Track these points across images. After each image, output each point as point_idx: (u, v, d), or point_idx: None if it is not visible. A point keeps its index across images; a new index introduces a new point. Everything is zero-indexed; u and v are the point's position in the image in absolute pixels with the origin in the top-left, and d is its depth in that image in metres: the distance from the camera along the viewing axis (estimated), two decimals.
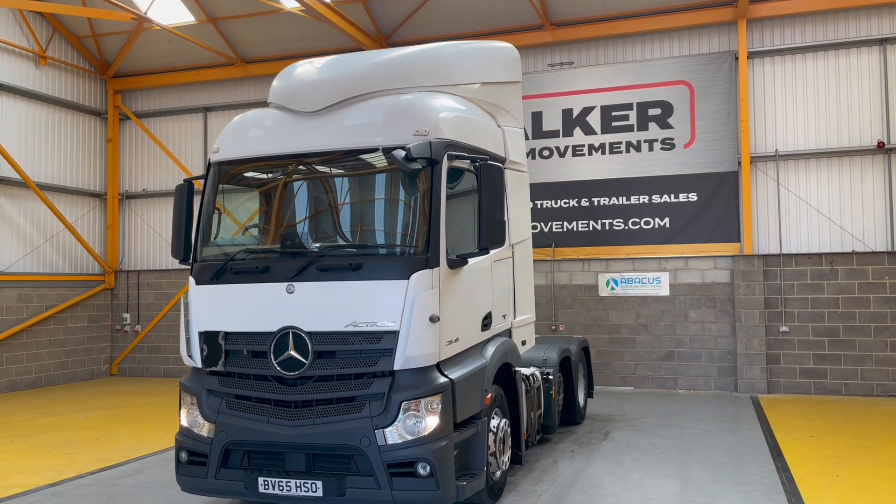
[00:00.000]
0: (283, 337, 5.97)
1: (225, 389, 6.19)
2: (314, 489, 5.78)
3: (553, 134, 14.69)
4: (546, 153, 14.72)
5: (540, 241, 14.55)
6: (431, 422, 5.76)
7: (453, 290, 6.17)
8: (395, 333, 5.77)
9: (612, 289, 14.23)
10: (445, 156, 6.10)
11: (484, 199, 6.06)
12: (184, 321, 6.45)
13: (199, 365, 6.31)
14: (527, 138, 14.69)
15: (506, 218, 7.41)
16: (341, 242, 6.27)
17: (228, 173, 6.64)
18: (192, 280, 6.45)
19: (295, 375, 5.90)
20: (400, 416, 5.74)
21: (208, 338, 6.26)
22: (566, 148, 14.60)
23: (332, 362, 5.88)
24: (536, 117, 14.76)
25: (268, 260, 6.27)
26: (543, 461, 8.37)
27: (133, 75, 17.81)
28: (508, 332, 7.61)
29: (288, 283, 6.00)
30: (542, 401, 8.61)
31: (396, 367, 5.77)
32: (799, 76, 13.55)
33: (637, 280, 14.10)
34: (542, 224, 14.64)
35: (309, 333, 5.90)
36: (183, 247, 6.63)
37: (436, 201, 5.98)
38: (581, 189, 14.44)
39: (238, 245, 6.53)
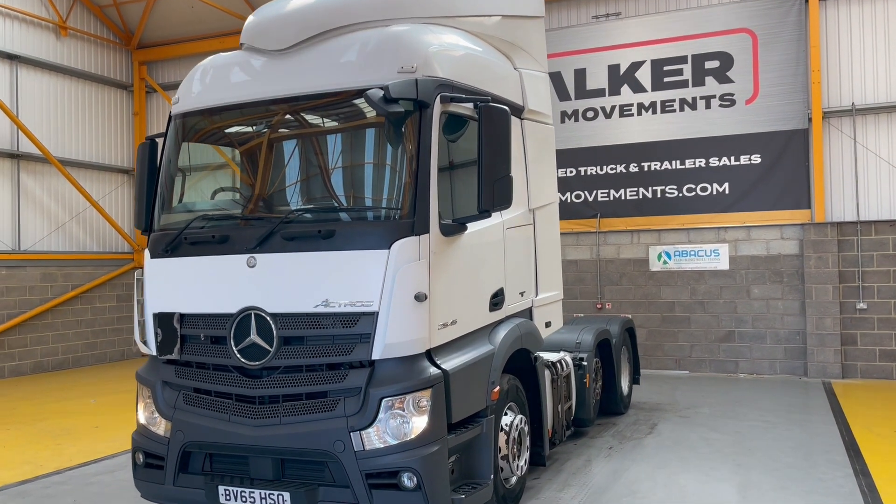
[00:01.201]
0: (244, 320, 4.98)
1: (182, 381, 5.26)
2: (281, 501, 4.81)
3: (598, 93, 13.33)
4: (590, 114, 13.39)
5: (584, 211, 13.29)
6: (419, 422, 4.71)
7: (449, 262, 5.08)
8: (373, 315, 4.72)
9: (665, 263, 12.88)
10: (438, 98, 4.99)
11: (484, 149, 4.92)
12: (136, 301, 5.53)
13: (154, 352, 5.39)
14: (568, 98, 13.44)
15: (523, 175, 6.32)
16: (311, 205, 5.22)
17: (189, 127, 5.66)
18: (146, 253, 5.51)
19: (258, 365, 4.92)
20: (381, 415, 4.70)
21: (162, 320, 5.33)
22: (613, 108, 13.24)
23: (300, 350, 4.87)
24: (579, 75, 13.43)
25: (227, 228, 5.27)
26: (575, 460, 7.25)
27: (158, 45, 17.10)
28: (529, 313, 6.48)
29: (249, 256, 5.00)
30: (574, 391, 7.46)
31: (375, 356, 4.72)
32: (879, 18, 11.86)
33: (692, 253, 12.72)
34: (586, 193, 13.35)
35: (273, 315, 4.90)
36: (145, 215, 5.70)
37: (424, 153, 4.88)
38: (630, 153, 13.08)
39: (202, 212, 5.53)
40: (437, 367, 4.87)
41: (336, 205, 5.17)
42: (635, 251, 13.10)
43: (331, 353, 4.80)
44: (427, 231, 4.84)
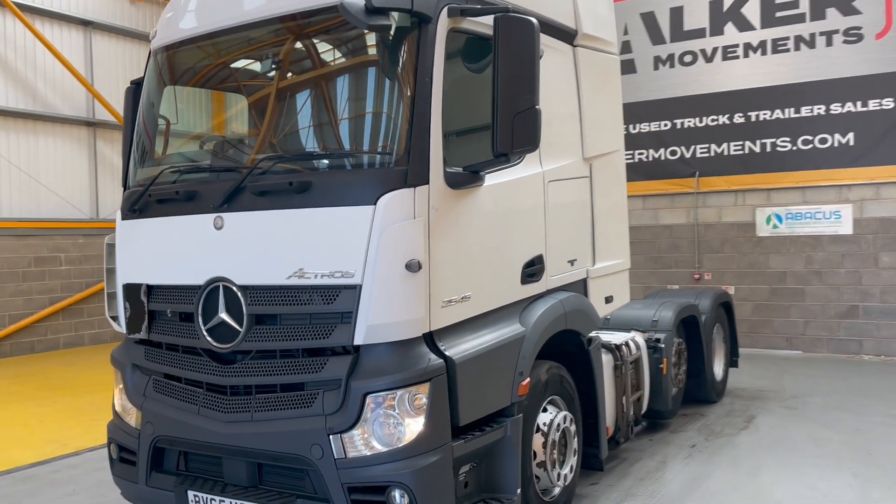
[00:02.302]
0: (212, 293, 4.09)
1: (151, 365, 4.46)
2: None
3: (697, 34, 11.69)
4: (688, 59, 11.77)
5: (681, 169, 11.76)
6: (413, 425, 3.70)
7: (459, 221, 4.00)
8: (355, 289, 3.72)
9: (775, 227, 11.22)
10: (445, 9, 3.88)
11: (501, 73, 3.79)
12: (106, 269, 4.76)
13: (124, 330, 4.61)
14: (662, 41, 11.89)
15: (576, 116, 5.17)
16: (286, 152, 4.23)
17: (165, 64, 4.78)
18: (118, 213, 4.72)
19: (228, 348, 4.02)
20: (365, 415, 3.72)
21: (130, 293, 4.53)
22: (714, 50, 11.57)
23: (273, 331, 3.94)
24: (675, 14, 11.82)
25: (195, 182, 4.37)
26: (647, 461, 6.05)
27: None
28: (582, 286, 5.32)
29: (216, 216, 4.10)
30: (647, 378, 6.23)
31: (358, 340, 3.72)
32: None
33: (808, 215, 11.00)
34: (683, 149, 11.80)
35: (242, 288, 3.99)
36: (124, 170, 4.91)
37: (423, 81, 3.79)
38: (734, 101, 11.41)
39: (176, 165, 4.65)
40: (440, 354, 3.83)
41: (315, 150, 4.16)
42: (740, 214, 11.47)
43: (307, 336, 3.84)
44: (425, 181, 3.77)
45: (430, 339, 3.86)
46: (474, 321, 4.14)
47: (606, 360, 5.52)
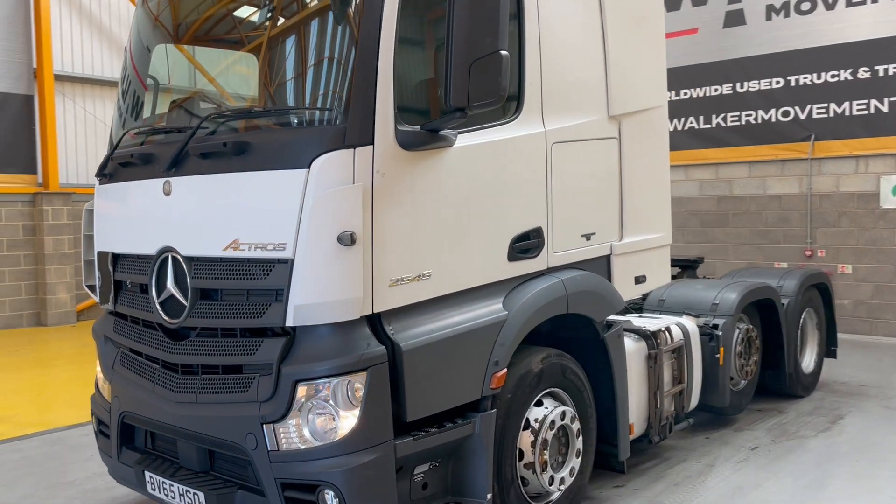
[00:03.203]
0: (162, 264, 3.83)
1: (118, 338, 4.27)
2: (197, 502, 3.67)
3: None
4: (805, 7, 10.38)
5: (794, 132, 10.47)
6: (349, 419, 3.28)
7: (416, 187, 3.49)
8: (287, 264, 3.32)
9: None
10: None
11: (455, 13, 3.22)
12: (84, 236, 4.61)
13: (98, 299, 4.46)
14: None
15: (600, 63, 4.50)
16: (228, 111, 3.84)
17: (142, 19, 4.51)
18: (97, 179, 4.54)
19: (176, 324, 3.75)
20: (298, 404, 3.33)
21: (101, 261, 4.36)
22: None
23: (215, 307, 3.62)
24: None
25: (153, 145, 4.09)
26: (692, 464, 5.31)
27: None
28: (605, 263, 4.66)
29: (164, 180, 3.80)
30: (696, 368, 5.44)
31: (289, 321, 3.33)
32: None
33: None
34: (796, 109, 10.48)
35: (188, 259, 3.69)
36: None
37: (368, 25, 3.30)
38: (857, 54, 9.96)
39: (144, 125, 4.39)
40: (386, 339, 3.36)
41: (255, 108, 3.76)
42: (861, 183, 10.08)
43: (244, 314, 3.49)
44: (369, 142, 3.29)
45: (378, 322, 3.40)
46: (441, 302, 3.64)
47: (637, 348, 4.85)
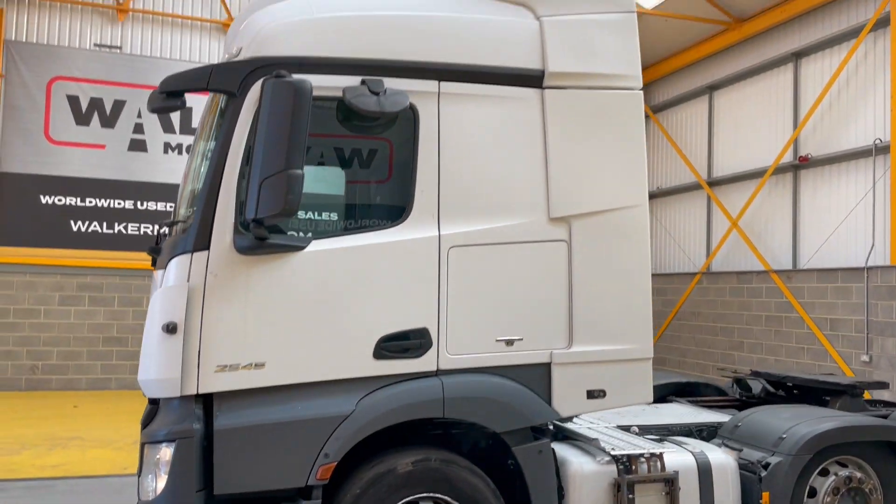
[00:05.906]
0: None
1: None
2: None
3: None
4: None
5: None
6: (158, 484, 3.87)
7: (252, 286, 3.94)
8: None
9: None
10: (261, 81, 3.94)
11: (258, 137, 3.77)
12: None
13: None
14: None
15: (539, 166, 4.46)
16: (181, 213, 4.67)
17: None
18: None
19: None
20: (146, 463, 4.02)
21: None
22: None
23: None
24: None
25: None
26: None
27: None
28: (542, 371, 4.36)
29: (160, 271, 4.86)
30: None
31: (146, 391, 4.08)
32: None
33: None
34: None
35: None
36: None
37: (218, 148, 4.02)
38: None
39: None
40: (202, 418, 3.87)
41: (186, 211, 4.57)
42: None
43: None
44: (206, 247, 3.92)
45: (209, 401, 3.92)
46: (290, 391, 3.99)
47: (596, 470, 4.36)
